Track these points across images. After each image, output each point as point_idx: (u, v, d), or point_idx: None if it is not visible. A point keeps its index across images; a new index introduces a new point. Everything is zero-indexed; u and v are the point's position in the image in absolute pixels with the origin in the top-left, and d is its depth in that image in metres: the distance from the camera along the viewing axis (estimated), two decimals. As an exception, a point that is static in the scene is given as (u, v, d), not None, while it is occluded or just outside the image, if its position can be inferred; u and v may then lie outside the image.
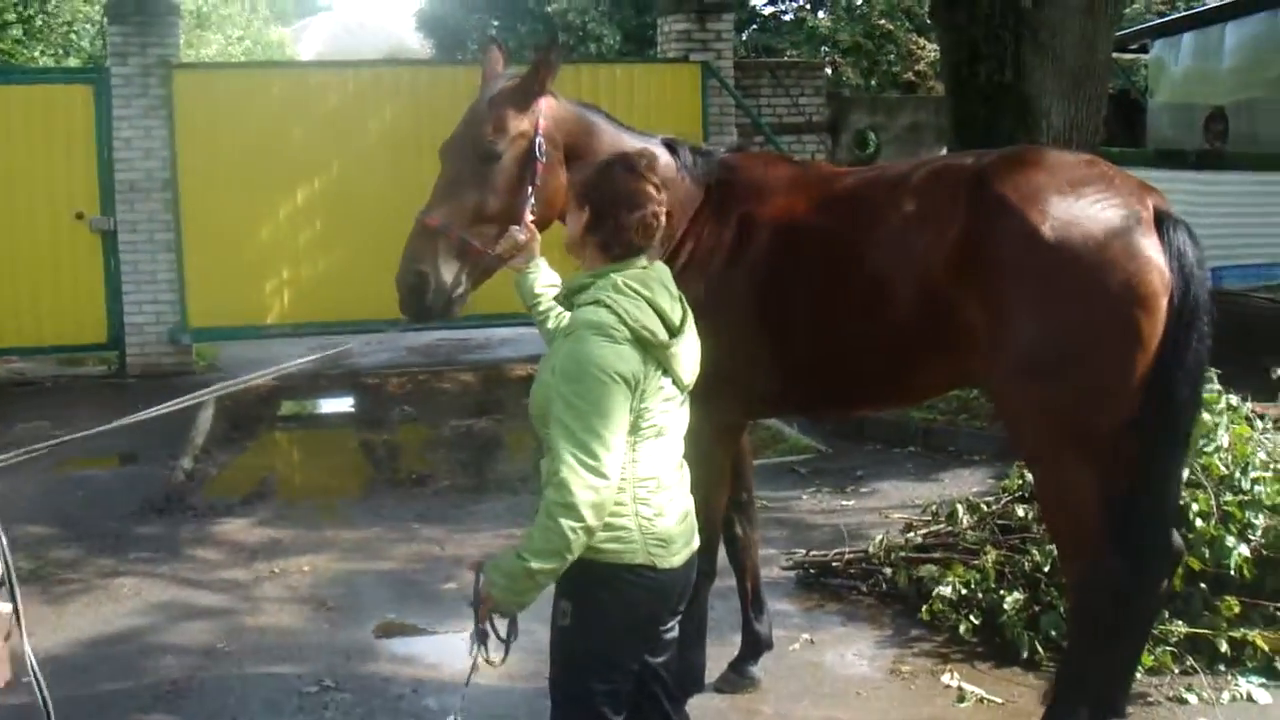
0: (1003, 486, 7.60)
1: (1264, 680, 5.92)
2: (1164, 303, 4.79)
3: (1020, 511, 7.01)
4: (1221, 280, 11.82)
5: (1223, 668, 6.02)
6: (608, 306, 3.86)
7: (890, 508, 8.77)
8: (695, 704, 5.70)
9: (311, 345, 13.97)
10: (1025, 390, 4.95)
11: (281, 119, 13.79)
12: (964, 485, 9.12)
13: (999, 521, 7.09)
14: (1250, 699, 5.80)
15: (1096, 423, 4.86)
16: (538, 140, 5.21)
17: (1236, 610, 6.09)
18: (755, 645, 6.10)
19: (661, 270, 4.14)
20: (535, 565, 3.75)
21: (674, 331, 3.97)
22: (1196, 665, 5.98)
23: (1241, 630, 6.07)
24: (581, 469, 3.69)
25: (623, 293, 3.89)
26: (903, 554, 7.18)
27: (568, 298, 4.12)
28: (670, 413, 4.00)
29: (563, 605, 3.96)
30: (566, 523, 3.69)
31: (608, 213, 4.00)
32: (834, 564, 7.43)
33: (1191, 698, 5.80)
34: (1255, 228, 13.25)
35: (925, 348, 5.19)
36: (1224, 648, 6.04)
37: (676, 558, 3.95)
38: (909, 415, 10.60)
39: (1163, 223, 4.87)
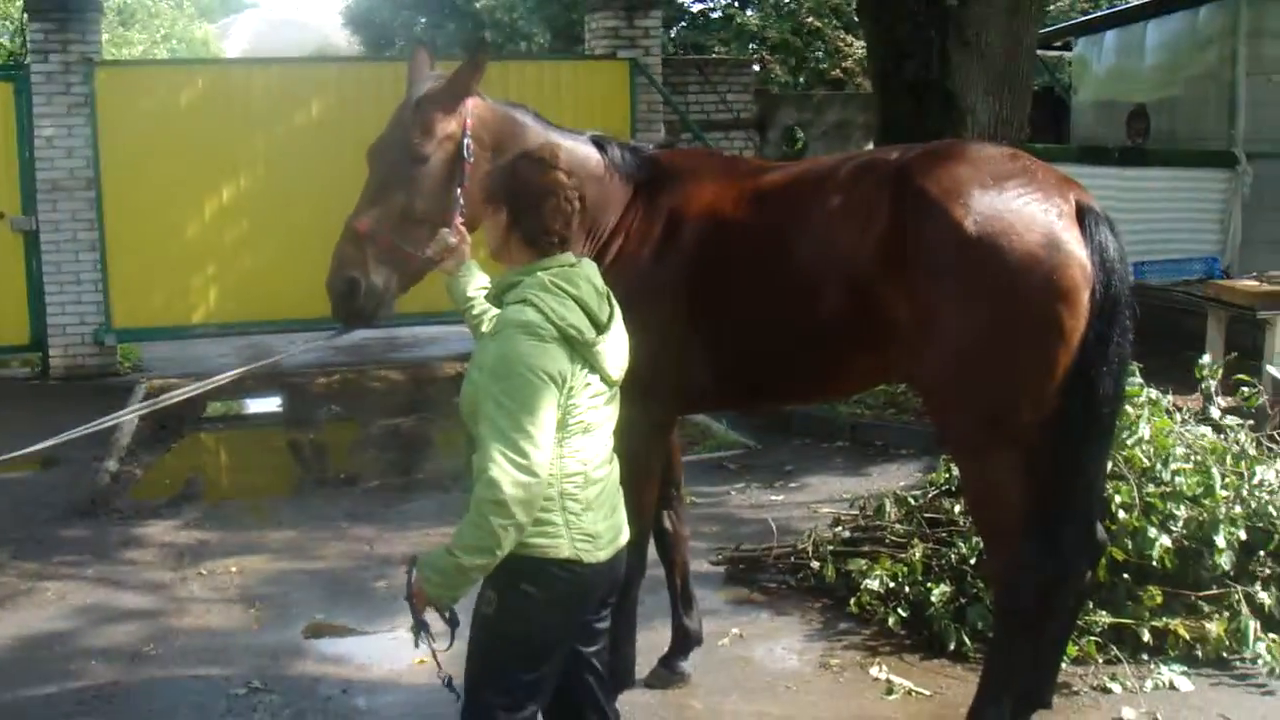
0: (930, 480, 7.67)
1: (1185, 668, 6.01)
2: (1086, 297, 4.84)
3: (947, 505, 7.08)
4: (1143, 275, 11.98)
5: (1145, 657, 6.10)
6: (534, 305, 3.89)
7: (818, 502, 8.82)
8: (625, 699, 5.72)
9: (238, 345, 13.93)
10: (951, 385, 5.00)
11: (207, 117, 13.66)
12: (892, 479, 9.19)
13: (926, 515, 7.15)
14: (1172, 687, 5.89)
15: (1021, 417, 4.91)
16: (465, 141, 5.21)
17: (1159, 600, 6.18)
18: (685, 640, 6.11)
19: (588, 266, 4.17)
20: (466, 561, 3.79)
21: (601, 328, 4.00)
22: (1120, 655, 6.06)
23: (1164, 619, 6.15)
24: (510, 466, 3.71)
25: (550, 291, 3.93)
26: (831, 548, 7.21)
27: (497, 297, 4.13)
28: (598, 409, 4.03)
29: (488, 594, 3.99)
30: (496, 520, 3.71)
31: (525, 207, 4.05)
32: (763, 559, 7.46)
33: (1115, 686, 5.88)
34: (1175, 223, 13.44)
35: (853, 343, 5.22)
36: (1147, 637, 6.13)
37: (603, 552, 4.00)
38: (837, 410, 10.66)
39: (1085, 217, 4.92)
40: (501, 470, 3.72)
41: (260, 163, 13.75)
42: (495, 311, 4.16)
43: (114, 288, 13.56)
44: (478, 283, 4.75)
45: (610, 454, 4.14)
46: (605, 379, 4.04)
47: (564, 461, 3.92)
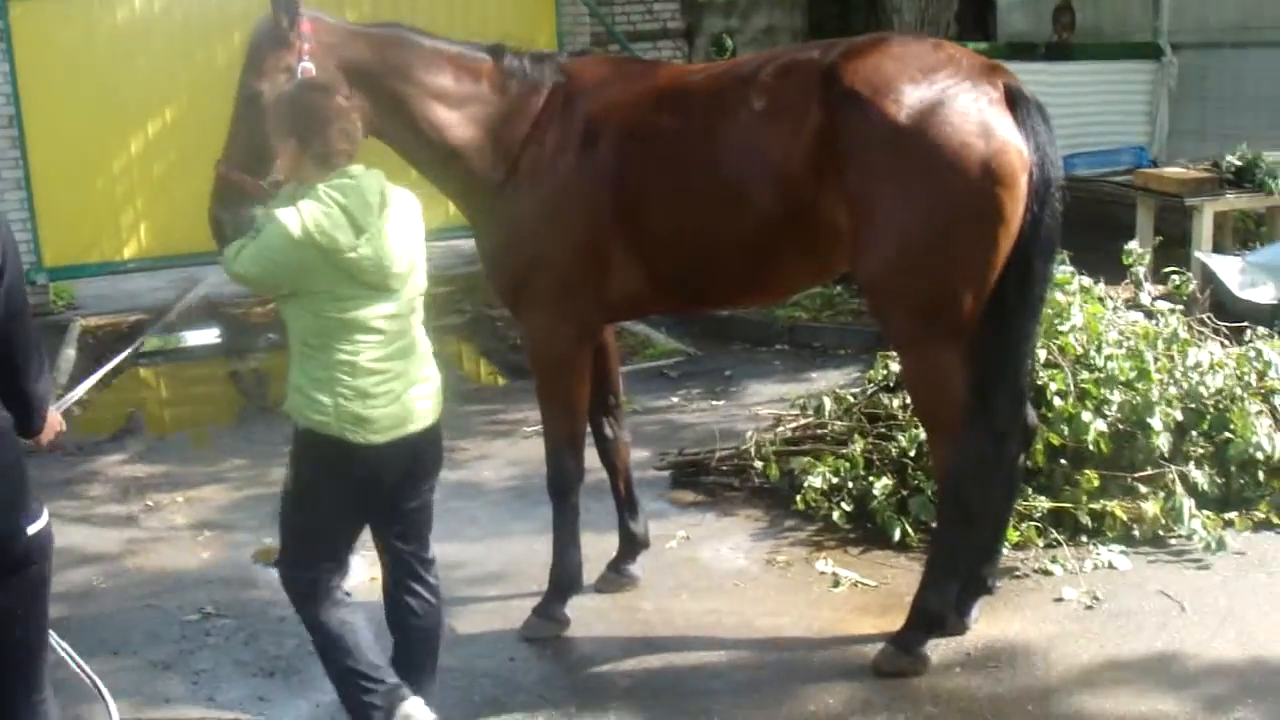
0: (868, 378, 7.74)
1: (1123, 548, 6.16)
2: (1024, 180, 4.89)
3: (886, 401, 7.16)
4: (1072, 167, 12.04)
5: (1084, 539, 6.25)
6: (297, 209, 4.32)
7: (759, 404, 8.89)
8: (575, 604, 5.82)
9: (171, 277, 13.79)
10: (893, 282, 5.04)
11: (127, 49, 13.40)
12: (831, 380, 9.25)
13: (866, 411, 7.23)
14: (1111, 566, 6.04)
15: (964, 305, 4.97)
16: (300, 67, 5.24)
17: (1096, 483, 6.31)
18: (632, 544, 6.19)
19: (369, 178, 4.44)
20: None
21: (362, 234, 4.33)
22: (1060, 538, 6.20)
23: (1101, 502, 6.29)
24: (233, 264, 4.45)
25: (320, 201, 4.33)
26: (773, 448, 7.29)
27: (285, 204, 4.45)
28: (366, 307, 4.38)
29: (287, 474, 4.63)
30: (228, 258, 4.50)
31: (314, 132, 4.43)
32: (706, 462, 7.53)
33: (1056, 569, 6.01)
34: (1103, 115, 13.49)
35: (788, 245, 5.24)
36: (1085, 519, 6.28)
37: (378, 436, 4.41)
38: (774, 314, 10.71)
39: (1015, 101, 4.95)
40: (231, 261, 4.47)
41: (184, 93, 13.51)
42: None
43: (42, 226, 13.34)
44: None
45: (398, 348, 4.47)
46: (371, 283, 4.36)
47: (329, 353, 4.38)
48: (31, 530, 3.69)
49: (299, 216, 4.30)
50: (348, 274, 4.34)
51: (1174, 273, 7.49)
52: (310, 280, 4.34)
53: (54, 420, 4.07)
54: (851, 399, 7.48)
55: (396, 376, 4.47)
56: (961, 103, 4.89)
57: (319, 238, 4.28)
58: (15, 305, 3.69)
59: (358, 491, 4.52)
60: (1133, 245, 7.65)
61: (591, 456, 5.91)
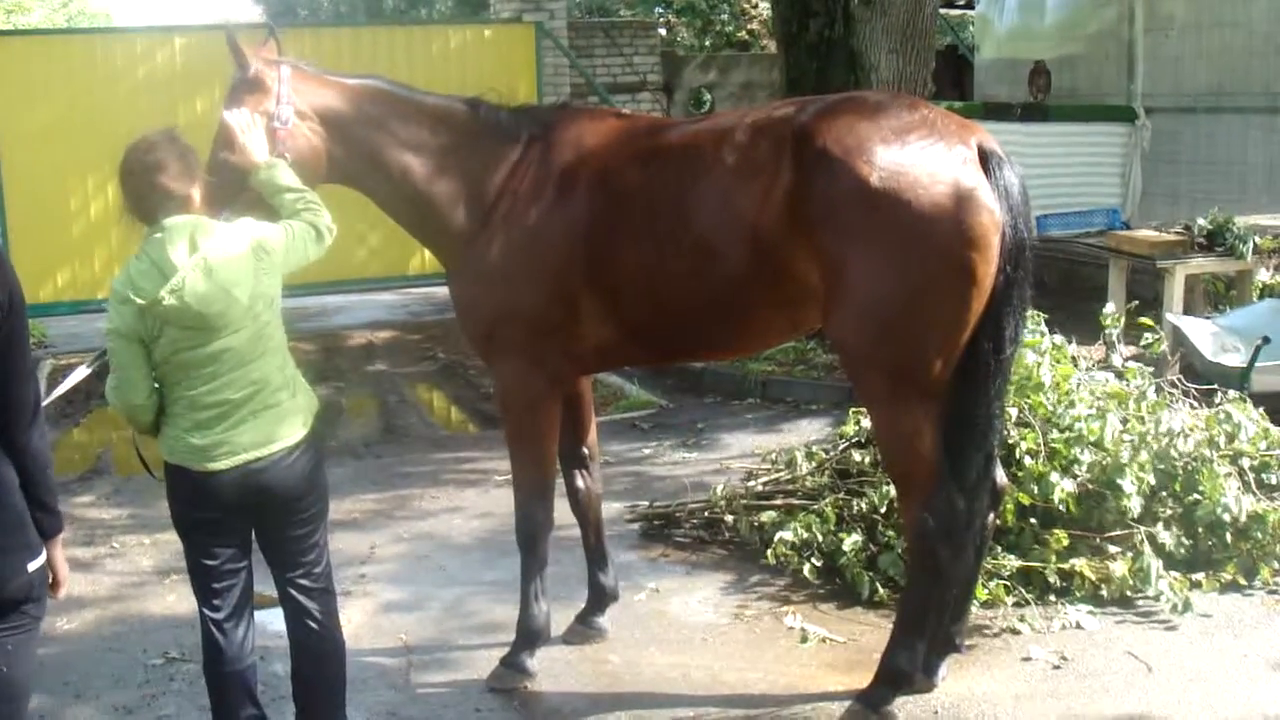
0: (840, 433, 7.76)
1: (1091, 608, 6.16)
2: (996, 241, 4.90)
3: (857, 457, 7.16)
4: (1046, 228, 12.15)
5: (1053, 598, 6.25)
6: (123, 270, 4.61)
7: (731, 458, 8.90)
8: (544, 655, 5.80)
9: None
10: (864, 341, 5.03)
11: (107, 88, 13.47)
12: (803, 434, 9.26)
13: (837, 467, 7.24)
14: (1079, 626, 6.04)
15: (935, 366, 4.97)
16: (276, 110, 5.34)
17: (1065, 543, 6.31)
18: (601, 597, 6.17)
19: (176, 226, 4.59)
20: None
21: (164, 283, 4.46)
22: (1028, 597, 6.20)
23: (1069, 561, 6.30)
24: (113, 397, 4.65)
25: (136, 257, 4.60)
26: (744, 502, 7.28)
27: None
28: (193, 349, 4.52)
29: None
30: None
31: (123, 191, 4.73)
32: (677, 514, 7.53)
33: (1024, 628, 6.01)
34: (1077, 176, 13.62)
35: (760, 301, 5.26)
36: (1053, 579, 6.27)
37: (216, 464, 4.59)
38: (747, 368, 10.74)
39: (988, 160, 4.97)
40: (111, 396, 4.66)
41: (162, 134, 13.55)
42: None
43: (16, 264, 12.98)
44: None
45: (232, 380, 4.58)
46: (190, 325, 4.49)
47: (168, 390, 4.60)
48: (32, 567, 3.70)
49: (119, 278, 4.59)
50: (164, 321, 4.48)
51: (1147, 328, 7.51)
52: (144, 331, 4.51)
53: (61, 571, 4.02)
54: (823, 454, 7.49)
55: (238, 406, 4.60)
56: (934, 164, 4.90)
57: (130, 292, 4.48)
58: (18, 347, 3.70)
59: (209, 521, 4.70)
60: (1109, 308, 7.67)
61: (561, 507, 5.90)
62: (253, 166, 5.07)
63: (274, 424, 4.68)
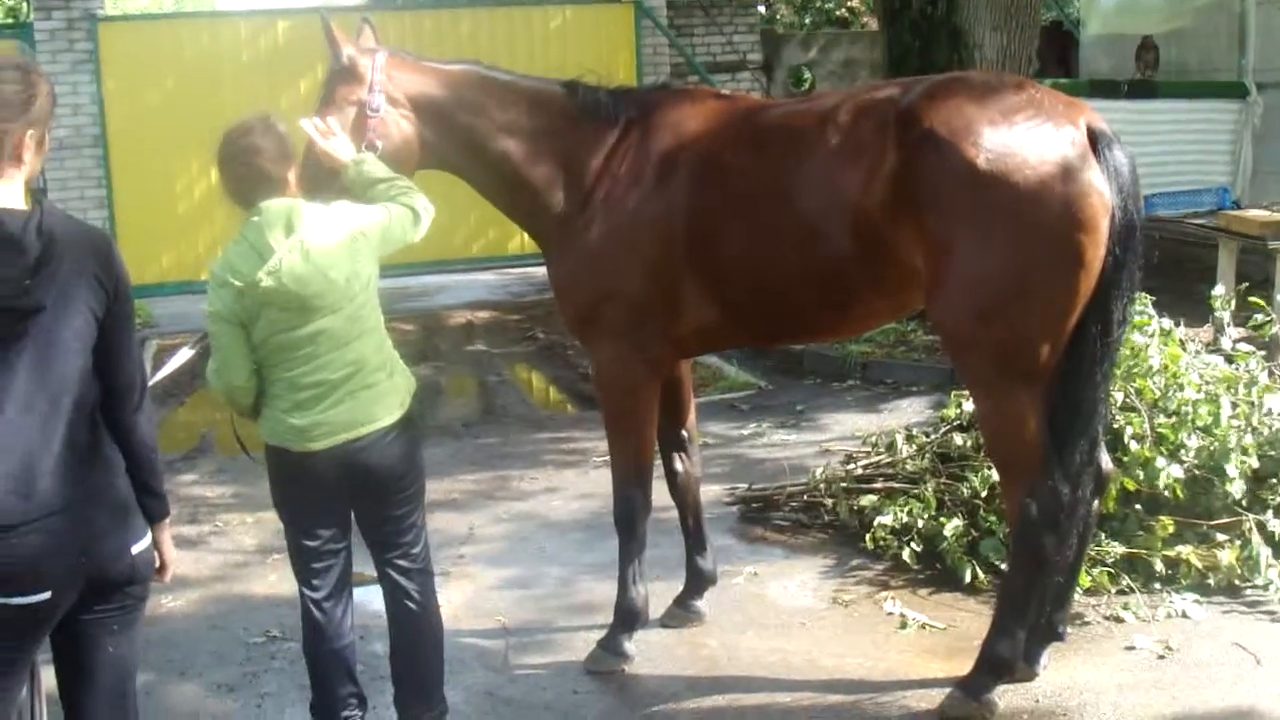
0: (941, 416, 7.68)
1: (1198, 597, 6.04)
2: (1105, 224, 4.81)
3: (958, 440, 7.08)
4: (1154, 208, 11.92)
5: (1158, 586, 6.13)
6: (222, 254, 4.71)
7: (830, 440, 8.85)
8: (641, 638, 5.79)
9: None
10: (970, 326, 4.97)
11: (212, 71, 13.65)
12: (903, 417, 9.19)
13: (938, 451, 7.16)
14: (1185, 615, 5.92)
15: (1041, 350, 4.90)
16: (368, 98, 5.37)
17: (1170, 530, 6.19)
18: (699, 580, 6.15)
19: (274, 210, 4.63)
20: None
21: (264, 267, 4.53)
22: (1133, 585, 6.08)
23: (1176, 549, 6.17)
24: (214, 379, 4.73)
25: (235, 241, 4.67)
26: (843, 485, 7.24)
27: None
28: (292, 330, 4.57)
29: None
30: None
31: (222, 176, 4.78)
32: (776, 498, 7.50)
33: (1128, 616, 5.90)
34: (1186, 155, 13.36)
35: (862, 283, 5.21)
36: (1159, 566, 6.15)
37: (316, 444, 4.64)
38: (848, 349, 10.67)
39: (1097, 141, 4.88)
40: (212, 378, 4.74)
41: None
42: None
43: (123, 245, 13.31)
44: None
45: (330, 361, 4.62)
46: (288, 306, 4.54)
47: (268, 372, 4.66)
48: (136, 549, 3.74)
49: (218, 261, 4.68)
50: (262, 302, 4.54)
51: (1257, 308, 7.33)
52: (243, 314, 4.58)
53: (168, 555, 4.05)
54: (924, 437, 7.42)
55: (336, 386, 4.64)
56: (1042, 145, 4.82)
57: (229, 275, 4.56)
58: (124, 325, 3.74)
59: (309, 501, 4.79)
60: (1218, 290, 7.51)
61: (660, 490, 5.89)
62: (341, 167, 5.08)
63: (371, 404, 4.71)
